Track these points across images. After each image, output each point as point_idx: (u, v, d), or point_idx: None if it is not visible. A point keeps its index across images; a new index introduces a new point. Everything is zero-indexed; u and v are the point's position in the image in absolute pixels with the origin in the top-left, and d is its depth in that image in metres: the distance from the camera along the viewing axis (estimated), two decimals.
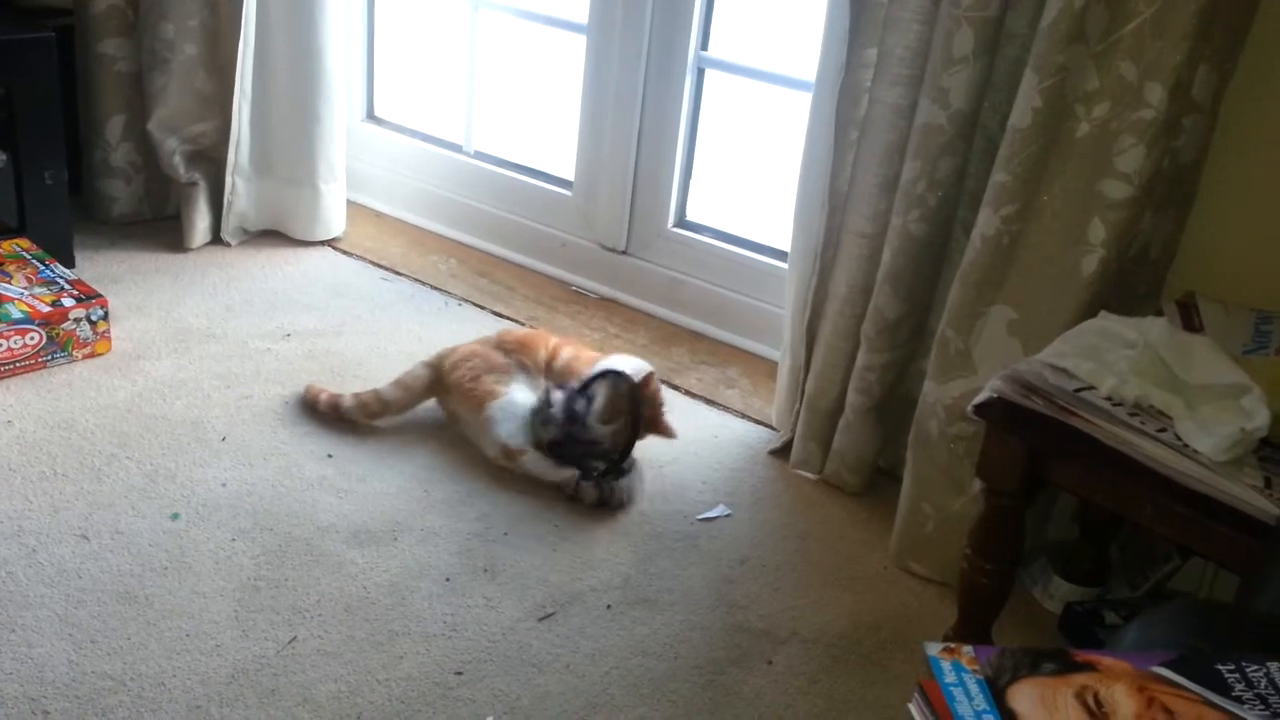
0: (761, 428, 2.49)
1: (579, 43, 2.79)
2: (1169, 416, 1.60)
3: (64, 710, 1.66)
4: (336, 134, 2.95)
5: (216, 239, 2.97)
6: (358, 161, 3.13)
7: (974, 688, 0.98)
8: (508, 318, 2.78)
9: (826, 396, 2.29)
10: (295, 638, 1.83)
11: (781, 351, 2.42)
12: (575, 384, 2.27)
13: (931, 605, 2.05)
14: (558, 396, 2.25)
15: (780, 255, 2.63)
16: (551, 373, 2.35)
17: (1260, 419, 1.53)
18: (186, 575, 1.93)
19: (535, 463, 2.22)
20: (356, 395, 2.34)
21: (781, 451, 2.40)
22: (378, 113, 3.23)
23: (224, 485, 2.14)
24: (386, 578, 1.97)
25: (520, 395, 2.28)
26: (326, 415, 2.33)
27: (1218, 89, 1.85)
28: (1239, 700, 0.99)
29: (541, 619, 1.92)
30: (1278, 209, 1.91)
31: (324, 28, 2.82)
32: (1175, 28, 1.75)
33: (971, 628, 1.84)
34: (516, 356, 2.35)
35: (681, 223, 2.82)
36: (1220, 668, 1.02)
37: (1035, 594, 2.12)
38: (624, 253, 2.87)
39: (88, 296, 2.47)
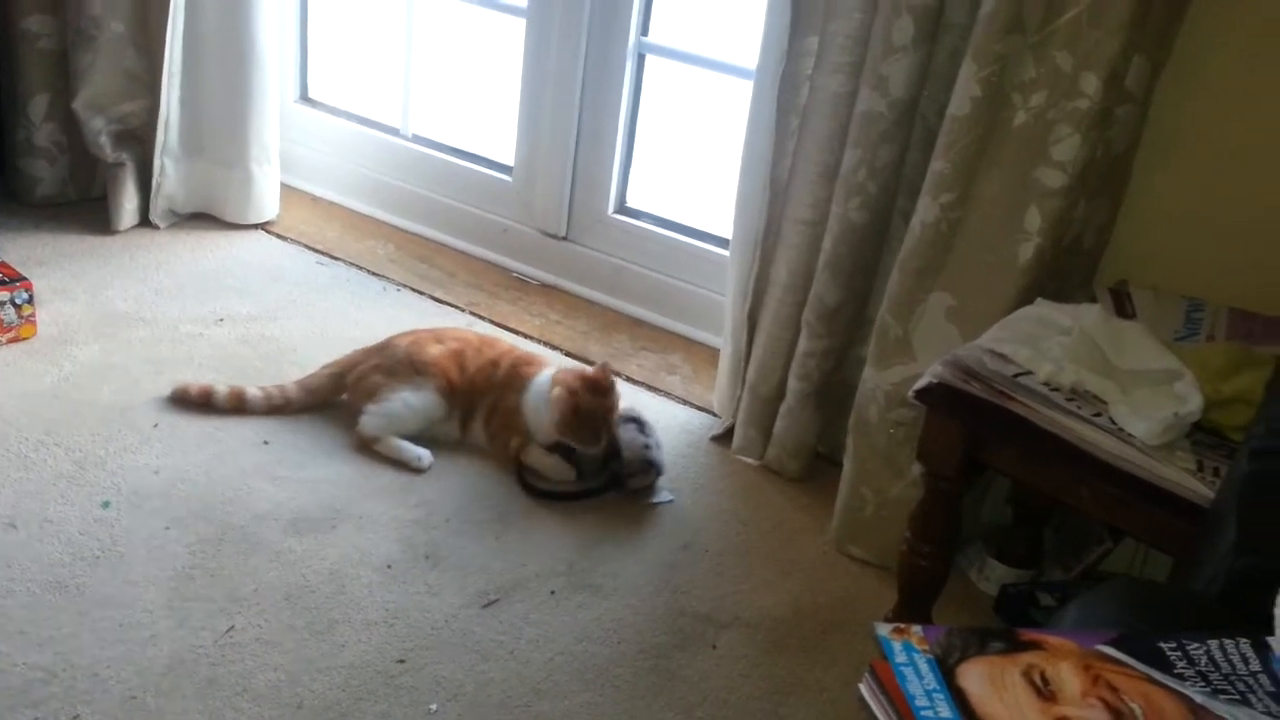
0: (703, 414, 2.50)
1: (518, 26, 2.76)
2: (1104, 401, 1.63)
3: None
4: (269, 115, 2.89)
5: (145, 221, 2.90)
6: (292, 144, 3.07)
7: (924, 667, 0.99)
8: (447, 303, 2.76)
9: (767, 383, 2.30)
10: (233, 627, 1.80)
11: (723, 338, 2.42)
12: (627, 421, 2.27)
13: (871, 588, 2.08)
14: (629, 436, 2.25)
15: (721, 242, 2.63)
16: (491, 384, 2.28)
17: (1193, 404, 1.57)
18: (119, 564, 1.88)
19: (392, 447, 2.22)
20: (263, 389, 2.29)
21: (723, 438, 2.41)
22: (312, 94, 3.18)
23: (156, 473, 2.09)
24: (326, 565, 1.94)
25: (399, 403, 2.23)
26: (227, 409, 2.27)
27: (1151, 79, 1.89)
28: (1180, 677, 1.01)
29: (484, 606, 1.91)
30: (1208, 198, 1.96)
31: (256, 5, 2.76)
32: (1111, 18, 1.79)
33: (911, 610, 1.86)
34: (427, 375, 2.26)
35: (622, 209, 2.81)
36: (1162, 645, 1.04)
37: (971, 576, 2.15)
38: (564, 239, 2.86)
39: (11, 280, 2.39)
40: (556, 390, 2.19)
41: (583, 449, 2.20)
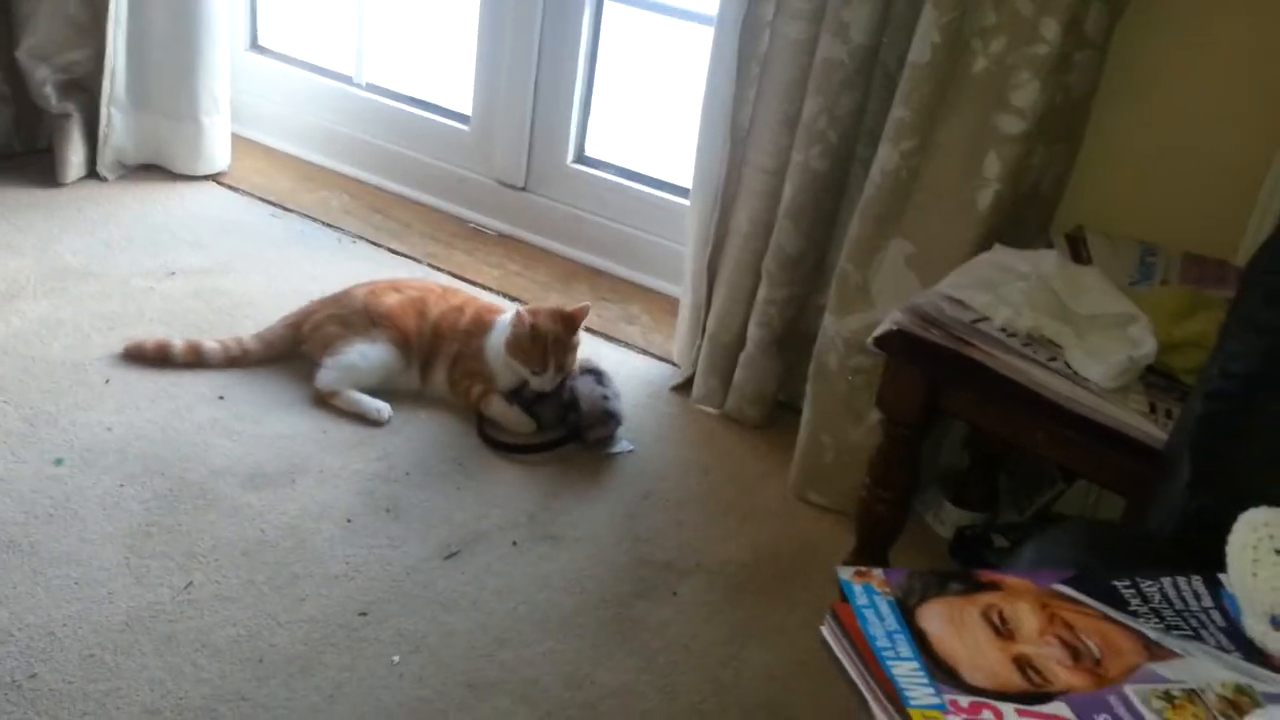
0: (663, 364, 2.49)
1: None
2: (1060, 346, 1.65)
3: None
4: (218, 64, 2.83)
5: (92, 173, 2.83)
6: (243, 93, 3.00)
7: (885, 609, 1.00)
8: (404, 255, 2.72)
9: (728, 331, 2.30)
10: (191, 583, 1.78)
11: (683, 288, 2.42)
12: (585, 373, 2.25)
13: (830, 534, 2.09)
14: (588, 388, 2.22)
15: (681, 191, 2.62)
16: (456, 329, 2.27)
17: (1147, 347, 1.58)
18: (73, 522, 1.86)
19: (350, 400, 2.19)
20: (220, 341, 2.27)
21: (683, 387, 2.41)
22: (262, 41, 3.11)
23: (109, 429, 2.06)
24: (285, 520, 1.93)
25: (356, 355, 2.21)
26: (185, 362, 2.24)
27: (1109, 25, 1.89)
28: (1134, 614, 1.03)
29: (447, 558, 1.91)
30: (1162, 145, 1.97)
31: None
32: None
33: (869, 554, 1.88)
34: (383, 327, 2.24)
35: (581, 159, 2.78)
36: (1117, 584, 1.06)
37: (928, 520, 2.18)
38: (523, 189, 2.83)
39: None
40: (517, 310, 2.19)
41: (530, 375, 2.18)
